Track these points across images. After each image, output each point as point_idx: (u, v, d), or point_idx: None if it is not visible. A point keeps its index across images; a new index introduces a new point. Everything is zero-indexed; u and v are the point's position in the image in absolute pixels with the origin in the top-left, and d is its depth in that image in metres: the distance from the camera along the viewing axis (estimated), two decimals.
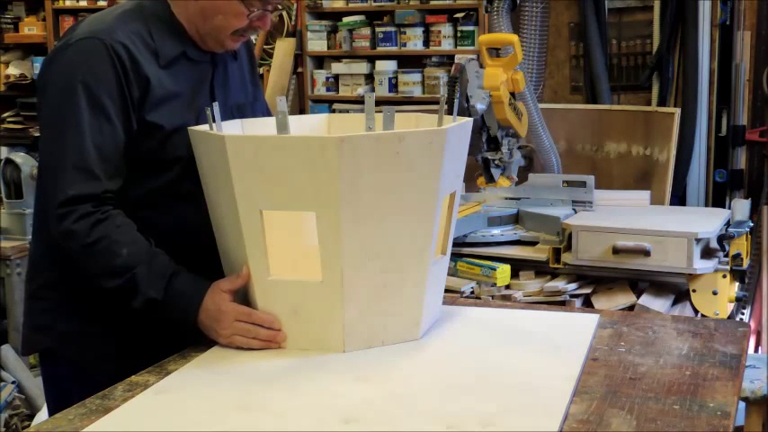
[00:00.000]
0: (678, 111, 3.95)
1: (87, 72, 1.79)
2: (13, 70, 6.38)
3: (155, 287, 1.77)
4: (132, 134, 1.82)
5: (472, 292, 2.78)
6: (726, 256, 2.70)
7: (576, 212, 2.98)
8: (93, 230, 1.77)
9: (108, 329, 1.91)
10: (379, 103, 2.20)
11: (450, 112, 1.96)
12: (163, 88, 1.84)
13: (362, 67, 5.35)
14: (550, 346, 1.80)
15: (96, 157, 1.78)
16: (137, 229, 1.81)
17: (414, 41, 5.14)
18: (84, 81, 1.78)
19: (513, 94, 3.24)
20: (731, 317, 2.79)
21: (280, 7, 1.97)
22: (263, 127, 2.01)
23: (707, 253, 2.72)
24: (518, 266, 2.84)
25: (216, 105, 1.82)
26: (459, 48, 5.02)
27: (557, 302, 2.67)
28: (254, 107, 2.09)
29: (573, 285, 2.76)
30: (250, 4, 1.85)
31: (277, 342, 1.78)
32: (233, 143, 1.68)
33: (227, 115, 1.95)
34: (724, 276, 2.65)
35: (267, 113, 2.15)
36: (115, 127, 1.80)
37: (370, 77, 5.37)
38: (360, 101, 5.11)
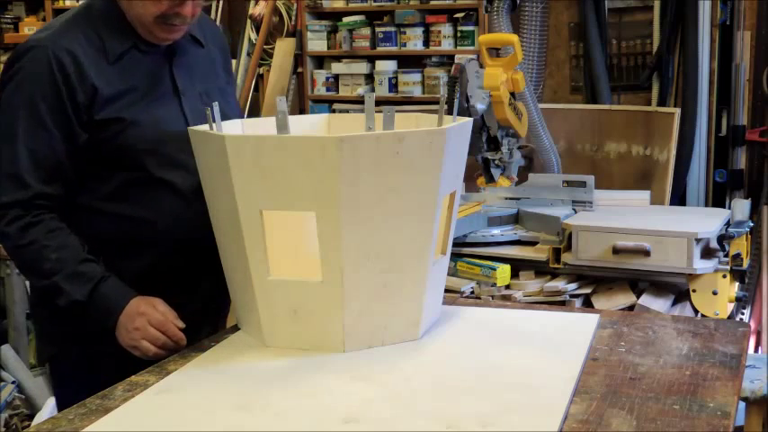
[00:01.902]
0: (678, 111, 3.95)
1: (29, 82, 1.86)
2: None
3: (80, 291, 1.85)
4: (77, 139, 1.88)
5: (472, 292, 2.78)
6: (726, 256, 2.70)
7: (576, 212, 2.98)
8: (25, 233, 1.86)
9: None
10: (379, 103, 2.20)
11: (450, 112, 1.96)
12: (113, 86, 1.89)
13: (362, 67, 5.34)
14: (550, 346, 1.80)
15: (29, 163, 1.86)
16: (69, 233, 1.89)
17: (414, 41, 5.14)
18: (25, 90, 1.86)
19: (513, 94, 3.24)
20: (731, 317, 2.79)
21: None
22: (263, 127, 2.01)
23: (707, 253, 2.71)
24: (518, 266, 2.84)
25: (216, 105, 1.83)
26: (459, 48, 5.02)
27: (557, 302, 2.67)
28: (226, 91, 2.12)
29: (573, 285, 2.75)
30: None
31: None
32: (233, 143, 1.68)
33: (196, 101, 2.00)
34: (724, 276, 2.65)
35: (236, 101, 2.21)
36: (52, 134, 1.86)
37: (370, 77, 5.37)
38: (360, 101, 5.11)
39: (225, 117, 1.89)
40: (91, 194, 1.94)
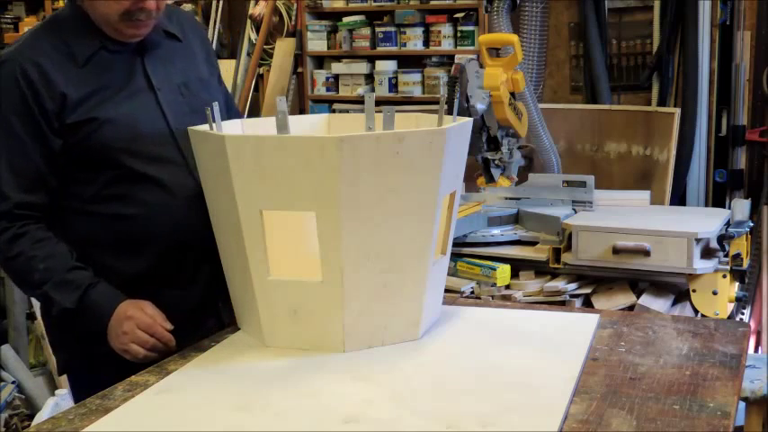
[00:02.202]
0: (678, 111, 3.95)
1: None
2: None
3: (69, 299, 1.87)
4: (52, 145, 1.89)
5: (472, 292, 2.78)
6: (726, 256, 2.70)
7: (576, 212, 2.98)
8: (13, 245, 1.88)
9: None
10: (379, 103, 2.20)
11: (450, 112, 1.96)
12: (83, 89, 1.90)
13: (362, 67, 5.34)
14: (550, 346, 1.80)
15: (7, 175, 1.88)
16: (57, 242, 1.90)
17: (414, 41, 5.14)
18: None
19: (513, 94, 3.24)
20: (731, 317, 2.79)
21: None
22: (263, 127, 2.01)
23: (707, 253, 2.72)
24: (518, 266, 2.85)
25: (216, 105, 1.83)
26: (459, 48, 5.02)
27: (557, 302, 2.67)
28: (209, 83, 2.11)
29: (573, 285, 2.76)
30: None
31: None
32: (233, 143, 1.68)
33: (174, 94, 1.99)
34: (724, 276, 2.65)
35: (223, 93, 2.19)
36: (26, 144, 1.88)
37: (370, 77, 5.37)
38: (360, 101, 5.11)
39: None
40: (77, 198, 1.94)
